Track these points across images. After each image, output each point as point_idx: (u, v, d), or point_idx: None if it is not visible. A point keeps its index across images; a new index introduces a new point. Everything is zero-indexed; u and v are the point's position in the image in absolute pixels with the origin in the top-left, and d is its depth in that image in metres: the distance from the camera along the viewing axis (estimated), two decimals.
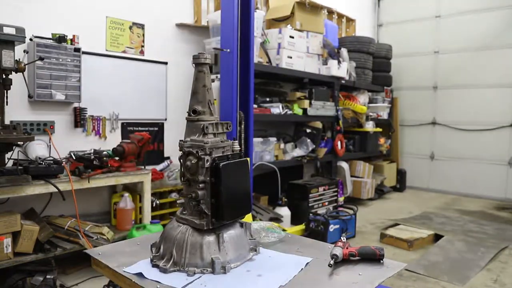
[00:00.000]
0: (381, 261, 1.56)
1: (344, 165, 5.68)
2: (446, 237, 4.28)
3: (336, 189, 4.85)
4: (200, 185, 1.49)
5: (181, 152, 1.58)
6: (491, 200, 6.27)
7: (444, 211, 5.57)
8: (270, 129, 5.02)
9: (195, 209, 1.53)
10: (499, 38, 6.33)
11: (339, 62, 5.19)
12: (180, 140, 1.59)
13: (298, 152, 4.86)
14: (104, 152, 3.26)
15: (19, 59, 2.72)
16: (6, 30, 2.55)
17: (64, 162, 3.03)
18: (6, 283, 2.66)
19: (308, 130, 5.14)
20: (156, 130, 4.15)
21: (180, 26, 4.28)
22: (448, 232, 4.45)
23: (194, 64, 1.58)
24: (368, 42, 6.16)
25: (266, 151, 4.38)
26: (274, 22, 4.94)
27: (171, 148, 4.21)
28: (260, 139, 4.37)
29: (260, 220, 3.68)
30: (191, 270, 1.44)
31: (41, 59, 2.95)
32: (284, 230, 2.24)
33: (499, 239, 4.25)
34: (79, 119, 3.48)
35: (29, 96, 2.90)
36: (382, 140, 6.72)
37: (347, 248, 1.56)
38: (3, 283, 2.67)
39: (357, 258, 1.56)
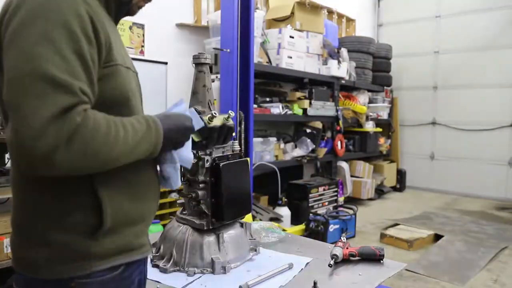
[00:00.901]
0: (381, 261, 1.56)
1: (344, 165, 5.68)
2: (446, 237, 4.28)
3: (336, 189, 4.85)
4: (200, 185, 1.49)
5: None
6: (491, 200, 6.27)
7: (444, 211, 5.57)
8: (270, 129, 5.02)
9: (195, 209, 1.53)
10: (499, 38, 6.33)
11: (339, 62, 5.19)
12: None
13: (298, 152, 4.86)
14: None
15: None
16: None
17: None
18: (6, 283, 2.66)
19: (308, 130, 5.14)
20: None
21: (180, 26, 4.27)
22: (448, 232, 4.45)
23: (194, 64, 1.58)
24: (368, 42, 6.16)
25: (266, 151, 4.38)
26: (274, 22, 4.94)
27: None
28: (260, 139, 4.37)
29: (260, 220, 3.68)
30: (191, 270, 1.44)
31: None
32: (284, 230, 2.24)
33: (499, 239, 4.25)
34: None
35: None
36: (382, 140, 6.72)
37: (347, 248, 1.56)
38: (3, 283, 2.67)
39: (357, 258, 1.56)
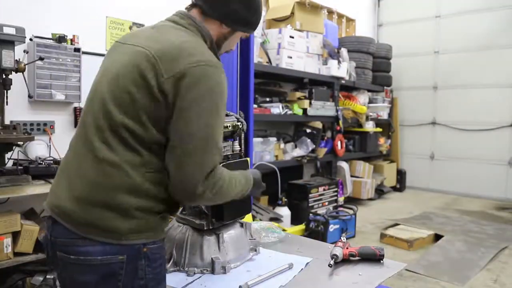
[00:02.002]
0: (381, 261, 1.56)
1: (344, 165, 5.68)
2: (446, 237, 4.28)
3: (336, 189, 4.85)
4: None
5: None
6: (491, 200, 6.27)
7: (444, 211, 5.57)
8: (270, 129, 5.02)
9: (195, 209, 1.53)
10: (499, 38, 6.33)
11: (339, 62, 5.19)
12: None
13: (298, 152, 4.86)
14: None
15: (19, 59, 2.71)
16: (6, 30, 2.55)
17: None
18: (6, 283, 2.66)
19: (308, 130, 5.14)
20: None
21: None
22: (448, 232, 4.45)
23: None
24: (368, 42, 6.16)
25: (266, 151, 4.38)
26: (274, 22, 4.94)
27: None
28: (260, 139, 4.37)
29: (260, 220, 3.67)
30: (191, 270, 1.44)
31: (41, 59, 2.95)
32: (284, 230, 2.24)
33: (499, 239, 4.25)
34: (79, 119, 3.48)
35: (29, 96, 2.90)
36: (382, 140, 6.71)
37: (347, 248, 1.56)
38: (3, 283, 2.67)
39: (357, 258, 1.56)
